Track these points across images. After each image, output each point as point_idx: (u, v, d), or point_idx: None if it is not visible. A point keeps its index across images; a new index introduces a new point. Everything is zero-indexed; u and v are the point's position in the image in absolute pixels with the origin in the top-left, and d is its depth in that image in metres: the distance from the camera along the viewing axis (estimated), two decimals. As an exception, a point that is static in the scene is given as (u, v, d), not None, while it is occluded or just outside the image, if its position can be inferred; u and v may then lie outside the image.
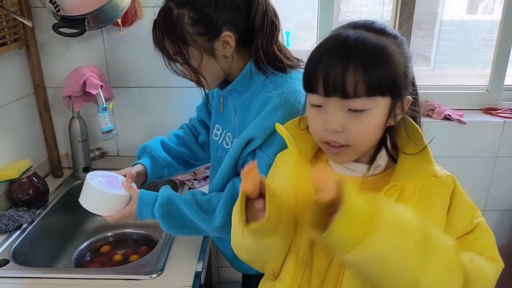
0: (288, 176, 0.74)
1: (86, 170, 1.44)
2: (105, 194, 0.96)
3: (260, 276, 0.83)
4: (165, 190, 0.97)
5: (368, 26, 0.64)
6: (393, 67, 0.60)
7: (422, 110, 1.51)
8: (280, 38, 0.91)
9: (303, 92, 0.69)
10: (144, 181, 1.14)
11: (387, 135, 0.69)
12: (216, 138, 1.06)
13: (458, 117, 1.48)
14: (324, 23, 1.45)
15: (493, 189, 1.59)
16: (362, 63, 0.58)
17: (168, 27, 0.84)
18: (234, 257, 0.92)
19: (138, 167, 1.11)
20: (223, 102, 1.03)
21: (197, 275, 0.97)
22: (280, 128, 0.73)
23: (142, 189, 1.00)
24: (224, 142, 1.03)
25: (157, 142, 1.17)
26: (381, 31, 0.63)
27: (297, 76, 0.90)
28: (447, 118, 1.49)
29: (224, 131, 1.03)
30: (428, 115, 1.52)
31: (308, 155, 0.74)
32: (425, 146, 0.66)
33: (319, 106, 0.64)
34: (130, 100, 1.46)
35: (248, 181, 0.59)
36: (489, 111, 1.56)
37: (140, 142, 1.47)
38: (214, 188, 1.00)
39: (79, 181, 1.43)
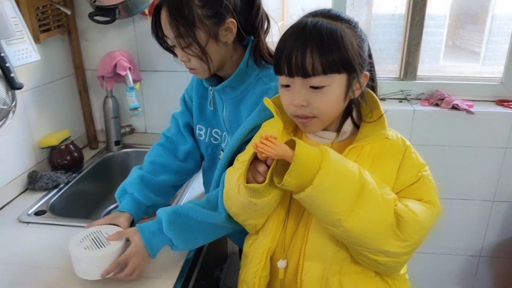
0: None
1: (117, 143, 1.63)
2: (96, 258, 0.87)
3: None
4: (163, 210, 0.93)
5: (325, 14, 0.74)
6: (346, 47, 0.70)
7: (432, 99, 1.58)
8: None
9: None
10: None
11: (353, 106, 0.79)
12: (202, 138, 1.11)
13: (466, 107, 1.51)
14: (337, 13, 1.53)
15: (502, 180, 1.61)
16: (318, 46, 0.68)
17: (178, 8, 0.86)
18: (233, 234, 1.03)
19: (123, 218, 0.99)
20: (213, 99, 1.06)
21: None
22: (268, 101, 0.82)
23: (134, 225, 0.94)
24: (212, 138, 1.09)
25: (137, 180, 1.06)
26: (335, 17, 0.73)
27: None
28: (455, 108, 1.52)
29: (208, 128, 1.09)
30: (437, 104, 1.57)
31: (290, 126, 0.84)
32: (382, 115, 0.77)
33: (287, 85, 0.74)
34: (157, 82, 1.61)
35: (264, 144, 0.68)
36: (501, 102, 1.58)
37: (167, 120, 1.62)
38: (215, 182, 1.02)
39: (111, 153, 1.63)
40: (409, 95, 1.63)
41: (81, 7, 1.48)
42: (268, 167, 0.73)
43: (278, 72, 0.73)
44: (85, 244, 0.89)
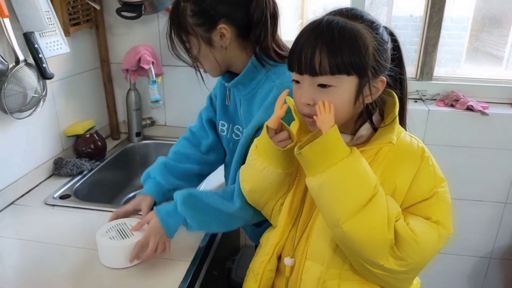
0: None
1: (139, 135, 1.69)
2: (121, 247, 0.94)
3: None
4: (179, 192, 0.98)
5: (346, 12, 0.72)
6: (359, 49, 0.68)
7: (447, 100, 1.59)
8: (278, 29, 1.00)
9: None
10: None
11: (372, 110, 0.75)
12: (224, 134, 1.14)
13: (481, 109, 1.53)
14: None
15: (517, 182, 1.62)
16: (327, 44, 0.67)
17: (175, 18, 0.96)
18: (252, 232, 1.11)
19: (145, 204, 1.08)
20: (229, 95, 1.10)
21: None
22: (289, 100, 0.80)
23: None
24: (233, 134, 1.11)
25: (160, 166, 1.15)
26: (355, 16, 0.71)
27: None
28: (470, 109, 1.54)
29: (230, 125, 1.11)
30: (452, 105, 1.58)
31: (306, 128, 0.82)
32: (393, 119, 0.75)
33: (298, 82, 0.73)
34: (179, 77, 1.67)
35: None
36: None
37: (186, 114, 1.70)
38: (231, 178, 1.06)
39: (132, 143, 1.69)
40: (425, 95, 1.65)
41: (108, 2, 1.55)
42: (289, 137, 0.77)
43: (290, 68, 0.74)
44: (111, 235, 0.96)
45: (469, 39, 1.70)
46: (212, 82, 1.17)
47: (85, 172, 1.41)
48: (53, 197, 1.27)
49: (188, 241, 1.06)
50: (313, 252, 0.79)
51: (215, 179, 1.36)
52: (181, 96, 1.71)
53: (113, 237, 0.96)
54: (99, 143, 1.51)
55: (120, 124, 1.76)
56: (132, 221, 1.02)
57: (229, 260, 1.80)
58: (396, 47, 0.77)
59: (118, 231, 0.98)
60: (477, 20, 1.67)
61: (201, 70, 1.03)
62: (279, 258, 0.86)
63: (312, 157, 0.68)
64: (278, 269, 0.87)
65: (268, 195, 0.83)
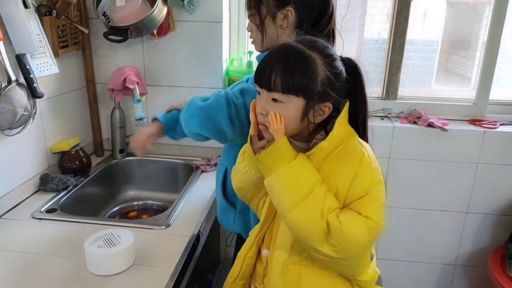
0: None
1: (122, 152, 1.76)
2: (109, 255, 1.00)
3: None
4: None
5: (308, 42, 0.82)
6: (310, 75, 0.78)
7: (410, 117, 1.73)
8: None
9: None
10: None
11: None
12: None
13: (441, 125, 1.67)
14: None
15: (475, 193, 1.75)
16: (282, 66, 0.78)
17: None
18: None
19: (154, 126, 1.25)
20: None
21: (197, 232, 1.24)
22: None
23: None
24: None
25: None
26: (315, 48, 0.81)
27: None
28: (430, 125, 1.68)
29: None
30: (414, 122, 1.72)
31: None
32: (328, 135, 0.83)
33: (259, 93, 0.84)
34: (162, 96, 1.76)
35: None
36: (474, 121, 1.74)
37: (167, 132, 1.78)
38: None
39: (116, 160, 1.76)
40: (390, 113, 1.79)
41: (95, 26, 1.63)
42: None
43: (255, 81, 0.85)
44: (99, 244, 1.02)
45: (439, 61, 1.86)
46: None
47: (70, 188, 1.46)
48: (40, 211, 1.31)
49: (171, 249, 1.13)
50: (280, 241, 0.90)
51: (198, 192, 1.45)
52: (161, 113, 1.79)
53: (101, 246, 1.02)
54: (84, 159, 1.57)
55: (104, 141, 1.83)
56: (120, 232, 1.08)
57: (210, 273, 1.86)
58: (357, 76, 0.85)
59: (105, 240, 1.04)
60: (446, 42, 1.84)
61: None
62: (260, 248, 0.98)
63: (266, 161, 0.82)
64: (260, 258, 0.97)
65: (252, 193, 0.96)
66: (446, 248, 1.86)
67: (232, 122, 1.06)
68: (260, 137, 0.89)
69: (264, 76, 0.80)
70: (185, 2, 1.56)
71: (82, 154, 1.57)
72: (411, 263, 1.88)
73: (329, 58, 0.81)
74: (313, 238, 0.80)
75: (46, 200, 1.39)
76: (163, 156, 1.78)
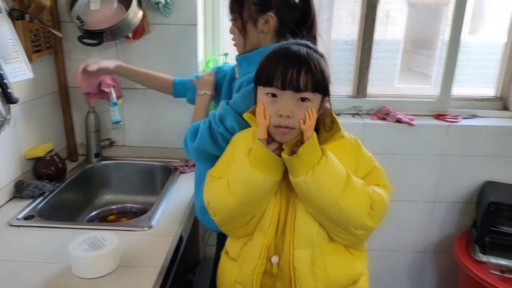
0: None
1: (97, 156, 1.75)
2: (94, 258, 1.01)
3: None
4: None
5: (307, 45, 0.90)
6: (325, 74, 0.88)
7: (379, 114, 1.82)
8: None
9: None
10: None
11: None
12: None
13: (408, 120, 1.76)
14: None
15: (441, 184, 1.86)
16: (310, 69, 0.84)
17: None
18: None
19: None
20: (238, 70, 1.23)
21: (180, 232, 1.26)
22: (248, 116, 0.96)
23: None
24: None
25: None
26: (315, 50, 0.90)
27: None
28: (399, 121, 1.77)
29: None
30: (383, 119, 1.81)
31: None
32: (335, 122, 0.95)
33: (274, 95, 0.86)
34: (137, 99, 1.76)
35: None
36: (438, 116, 1.85)
37: (144, 135, 1.79)
38: None
39: (91, 165, 1.74)
40: (361, 111, 1.87)
41: (67, 30, 1.61)
42: (279, 147, 0.89)
43: (268, 84, 0.86)
44: (83, 247, 1.03)
45: (402, 60, 1.96)
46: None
47: (46, 194, 1.44)
48: (17, 218, 1.29)
49: (156, 250, 1.15)
50: (301, 240, 0.93)
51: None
52: (139, 117, 1.79)
53: (86, 249, 1.02)
54: (60, 164, 1.55)
55: (77, 146, 1.81)
56: (103, 234, 1.08)
57: (190, 273, 1.87)
58: None
59: (90, 243, 1.04)
60: (408, 42, 1.93)
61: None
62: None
63: (306, 157, 0.85)
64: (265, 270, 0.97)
65: (257, 203, 0.93)
66: (416, 236, 1.96)
67: (222, 148, 1.10)
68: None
69: (289, 78, 0.84)
70: (160, 5, 1.57)
71: (57, 160, 1.55)
72: (384, 252, 1.96)
73: (324, 58, 0.91)
74: (362, 214, 0.89)
75: (22, 207, 1.36)
76: (140, 158, 1.78)
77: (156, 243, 1.19)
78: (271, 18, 1.12)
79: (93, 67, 1.38)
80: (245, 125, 1.05)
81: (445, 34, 1.86)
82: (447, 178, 1.85)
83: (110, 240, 1.06)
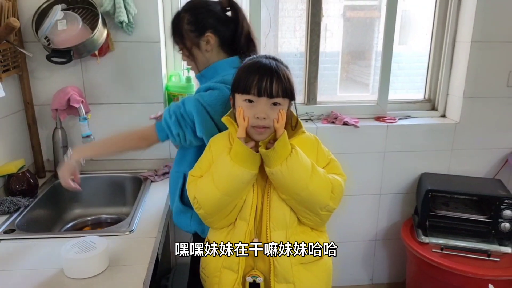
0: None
1: (66, 170, 1.78)
2: (87, 259, 1.08)
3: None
4: None
5: (274, 58, 1.08)
6: (291, 82, 1.05)
7: (328, 118, 2.02)
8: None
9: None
10: None
11: None
12: None
13: (353, 123, 1.99)
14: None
15: (385, 177, 2.10)
16: (280, 78, 1.02)
17: (175, 24, 1.31)
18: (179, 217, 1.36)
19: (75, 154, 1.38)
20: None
21: (160, 233, 1.36)
22: (226, 119, 1.10)
23: None
24: None
25: None
26: (281, 62, 1.08)
27: None
28: (346, 123, 1.99)
29: None
30: (333, 122, 2.02)
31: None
32: (297, 121, 1.11)
33: (251, 101, 1.02)
34: (104, 114, 1.82)
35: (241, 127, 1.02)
36: (379, 118, 2.09)
37: (110, 148, 1.84)
38: None
39: (59, 180, 1.77)
40: (313, 116, 2.07)
41: (31, 50, 1.64)
42: (255, 145, 1.05)
43: (246, 92, 1.02)
44: (75, 250, 1.10)
45: (341, 70, 2.19)
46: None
47: (21, 209, 1.47)
48: (-3, 233, 1.32)
49: (140, 250, 1.24)
50: (276, 224, 1.08)
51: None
52: (106, 130, 1.83)
53: (77, 252, 1.09)
54: (32, 180, 1.58)
55: (44, 162, 1.83)
56: (92, 238, 1.16)
57: (163, 278, 1.95)
58: None
59: (80, 246, 1.11)
60: (345, 54, 2.17)
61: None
62: None
63: (280, 150, 1.01)
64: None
65: (238, 194, 1.07)
66: (366, 227, 2.19)
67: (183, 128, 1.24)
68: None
69: (264, 87, 1.01)
70: (124, 24, 1.67)
71: (29, 175, 1.58)
72: (340, 243, 2.14)
73: (288, 68, 1.08)
74: (326, 196, 1.06)
75: (0, 223, 1.39)
76: (109, 171, 1.84)
77: (139, 244, 1.28)
78: (210, 37, 1.28)
79: (75, 183, 1.40)
80: (204, 115, 1.21)
81: (378, 45, 2.12)
82: (389, 172, 2.09)
83: (99, 242, 1.15)
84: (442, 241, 1.88)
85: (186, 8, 1.31)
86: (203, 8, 1.30)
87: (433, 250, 1.86)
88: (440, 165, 2.10)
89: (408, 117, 2.13)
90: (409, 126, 2.05)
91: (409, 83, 2.30)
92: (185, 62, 1.37)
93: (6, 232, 1.34)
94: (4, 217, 1.42)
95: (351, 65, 2.21)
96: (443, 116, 2.16)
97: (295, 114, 1.13)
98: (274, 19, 2.06)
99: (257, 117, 1.02)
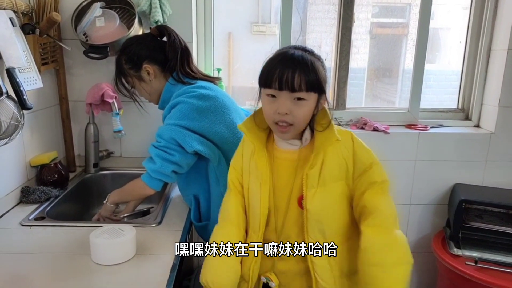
0: (250, 159, 1.09)
1: (96, 166, 1.81)
2: (116, 244, 1.09)
3: None
4: None
5: (303, 48, 1.00)
6: (319, 74, 0.95)
7: (358, 124, 1.99)
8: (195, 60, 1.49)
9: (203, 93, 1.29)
10: None
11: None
12: None
13: (384, 129, 1.95)
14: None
15: (415, 186, 2.04)
16: (304, 70, 0.93)
17: (117, 67, 1.42)
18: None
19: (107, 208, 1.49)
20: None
21: (187, 226, 1.35)
22: (241, 127, 1.08)
23: None
24: None
25: None
26: (311, 52, 1.00)
27: (201, 85, 1.36)
28: (375, 129, 1.96)
29: None
30: (362, 128, 1.99)
31: (262, 140, 1.08)
32: (330, 123, 1.02)
33: (273, 96, 0.96)
34: (133, 111, 1.83)
35: None
36: (410, 126, 2.05)
37: (140, 146, 1.87)
38: None
39: (89, 175, 1.80)
40: (341, 121, 2.05)
41: (68, 46, 1.69)
42: None
43: (268, 85, 0.96)
44: (104, 236, 1.10)
45: (366, 87, 2.15)
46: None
47: (52, 199, 1.50)
48: (29, 219, 1.34)
49: (168, 240, 1.23)
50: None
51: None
52: (136, 129, 1.88)
53: (106, 238, 1.10)
54: (63, 172, 1.61)
55: (76, 157, 1.87)
56: (120, 226, 1.16)
57: (185, 279, 1.93)
58: None
59: (109, 233, 1.12)
60: (371, 70, 2.13)
61: (140, 102, 1.50)
62: None
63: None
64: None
65: None
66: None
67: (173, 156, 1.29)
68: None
69: (286, 79, 0.93)
70: (159, 23, 1.70)
71: (60, 167, 1.61)
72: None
73: (320, 60, 1.00)
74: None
75: (31, 210, 1.41)
76: (137, 169, 1.84)
77: (167, 235, 1.27)
78: (148, 67, 1.37)
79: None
80: (181, 131, 1.26)
81: (405, 63, 2.08)
82: (420, 181, 2.03)
83: (128, 230, 1.14)
84: (476, 254, 1.80)
85: (120, 50, 1.41)
86: (134, 44, 1.39)
87: (467, 263, 1.77)
88: (474, 176, 2.03)
89: (441, 125, 2.08)
90: (442, 135, 1.99)
91: (439, 94, 2.25)
92: (144, 96, 1.46)
93: (36, 219, 1.36)
94: (35, 205, 1.45)
95: (376, 81, 2.17)
96: (477, 126, 2.10)
97: (328, 113, 1.04)
98: (303, 24, 2.07)
99: (279, 112, 0.96)
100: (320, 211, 1.03)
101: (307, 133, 1.04)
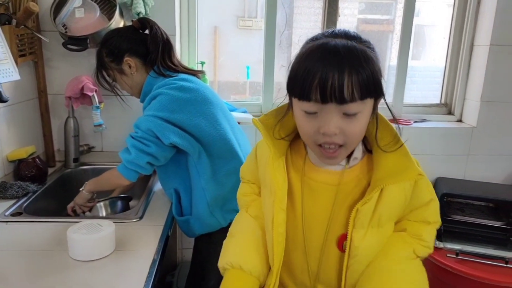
0: (265, 168, 0.83)
1: (76, 160, 1.78)
2: (94, 240, 1.05)
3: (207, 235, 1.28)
4: None
5: (347, 34, 0.70)
6: (375, 69, 0.66)
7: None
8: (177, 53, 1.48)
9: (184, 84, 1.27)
10: None
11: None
12: None
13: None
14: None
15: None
16: (356, 70, 0.63)
17: (98, 60, 1.40)
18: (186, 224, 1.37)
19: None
20: None
21: (168, 222, 1.33)
22: (256, 122, 0.81)
23: None
24: None
25: None
26: (358, 39, 0.70)
27: (182, 77, 1.35)
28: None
29: None
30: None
31: (279, 150, 0.81)
32: (402, 144, 0.75)
33: (314, 113, 0.67)
34: (114, 105, 1.80)
35: None
36: (392, 121, 2.05)
37: (121, 140, 1.84)
38: None
39: (69, 170, 1.77)
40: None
41: (46, 37, 1.65)
42: None
43: (306, 97, 0.67)
44: (82, 232, 1.07)
45: None
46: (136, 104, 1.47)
47: (30, 194, 1.46)
48: (5, 215, 1.31)
49: (148, 236, 1.21)
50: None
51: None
52: (117, 123, 1.85)
53: (84, 233, 1.07)
54: (41, 166, 1.57)
55: (55, 152, 1.83)
56: (99, 221, 1.13)
57: (168, 275, 1.91)
58: None
59: (87, 229, 1.08)
60: None
61: (122, 96, 1.49)
62: None
63: None
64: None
65: None
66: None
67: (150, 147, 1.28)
68: None
69: (332, 87, 0.64)
70: (141, 15, 1.67)
71: (38, 162, 1.57)
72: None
73: (371, 46, 0.72)
74: None
75: (7, 206, 1.37)
76: (118, 163, 1.81)
77: (148, 230, 1.25)
78: (130, 61, 1.36)
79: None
80: (160, 122, 1.25)
81: (391, 59, 2.09)
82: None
83: (107, 225, 1.12)
84: (457, 246, 1.82)
85: (101, 43, 1.39)
86: (115, 36, 1.37)
87: (448, 255, 1.79)
88: (456, 170, 2.05)
89: (424, 120, 2.09)
90: (425, 129, 2.01)
91: (423, 91, 2.27)
92: (126, 90, 1.45)
93: (13, 215, 1.32)
94: (12, 201, 1.41)
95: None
96: (460, 120, 2.12)
97: (392, 128, 0.79)
98: (289, 18, 2.06)
99: (323, 133, 0.68)
100: (367, 256, 0.78)
101: (358, 150, 0.78)
